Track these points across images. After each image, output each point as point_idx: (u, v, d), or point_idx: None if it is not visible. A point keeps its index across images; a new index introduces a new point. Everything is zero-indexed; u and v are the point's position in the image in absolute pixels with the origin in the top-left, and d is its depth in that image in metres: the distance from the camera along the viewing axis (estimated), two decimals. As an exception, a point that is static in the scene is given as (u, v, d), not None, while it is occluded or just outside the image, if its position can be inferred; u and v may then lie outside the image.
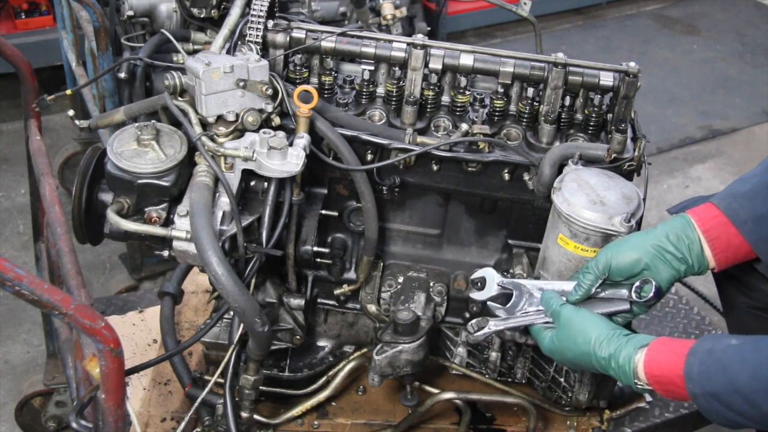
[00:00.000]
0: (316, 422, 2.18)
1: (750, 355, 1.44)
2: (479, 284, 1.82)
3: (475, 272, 1.85)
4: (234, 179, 1.74)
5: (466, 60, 1.90)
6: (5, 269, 1.27)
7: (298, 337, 2.04)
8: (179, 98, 1.79)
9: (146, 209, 1.73)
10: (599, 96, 1.93)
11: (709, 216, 1.70)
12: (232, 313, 1.87)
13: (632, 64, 1.87)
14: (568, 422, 2.23)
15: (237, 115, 1.73)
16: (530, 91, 1.92)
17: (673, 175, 4.46)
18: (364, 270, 2.02)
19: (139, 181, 1.69)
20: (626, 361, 1.54)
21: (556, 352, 1.69)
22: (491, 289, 1.81)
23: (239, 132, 1.75)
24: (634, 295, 1.67)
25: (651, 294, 1.65)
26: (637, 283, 1.67)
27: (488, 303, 1.80)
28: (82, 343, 1.58)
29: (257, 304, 1.69)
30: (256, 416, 2.04)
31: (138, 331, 2.46)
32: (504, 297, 1.80)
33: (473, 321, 1.78)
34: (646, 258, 1.66)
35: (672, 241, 1.67)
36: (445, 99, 1.97)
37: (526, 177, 1.90)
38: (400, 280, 2.07)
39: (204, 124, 1.74)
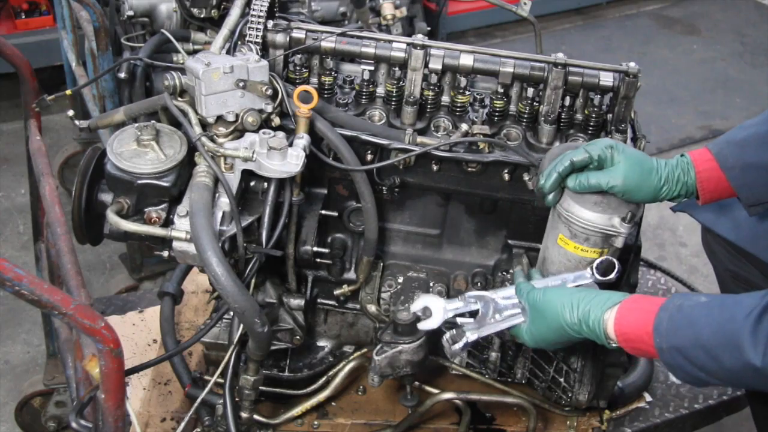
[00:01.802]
0: (316, 422, 2.18)
1: (716, 311, 1.47)
2: (424, 314, 1.80)
3: (414, 303, 1.82)
4: (234, 179, 1.74)
5: (466, 60, 1.90)
6: (5, 269, 1.27)
7: (297, 337, 2.04)
8: (179, 98, 1.79)
9: (146, 209, 1.73)
10: (599, 96, 1.93)
11: (703, 159, 1.81)
12: (231, 313, 1.88)
13: (632, 64, 1.87)
14: (568, 422, 2.23)
15: (237, 116, 1.73)
16: (530, 91, 1.92)
17: (673, 175, 4.46)
18: (364, 270, 2.02)
19: (139, 182, 1.69)
20: (596, 323, 1.59)
21: (538, 340, 1.72)
22: (438, 317, 1.79)
23: (239, 132, 1.75)
24: (597, 275, 1.71)
25: (613, 275, 1.71)
26: (597, 262, 1.71)
27: (457, 320, 1.78)
28: (82, 343, 1.58)
29: (257, 304, 1.69)
30: (256, 416, 2.04)
31: (138, 331, 2.46)
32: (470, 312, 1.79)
33: (447, 335, 1.77)
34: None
35: (670, 164, 1.78)
36: (445, 99, 1.97)
37: (526, 177, 1.90)
38: (400, 280, 2.07)
39: (204, 125, 1.74)
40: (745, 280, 2.14)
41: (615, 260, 1.71)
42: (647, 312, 1.54)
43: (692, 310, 1.49)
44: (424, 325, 1.80)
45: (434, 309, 1.80)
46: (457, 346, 1.75)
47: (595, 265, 1.72)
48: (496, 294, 1.77)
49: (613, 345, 1.60)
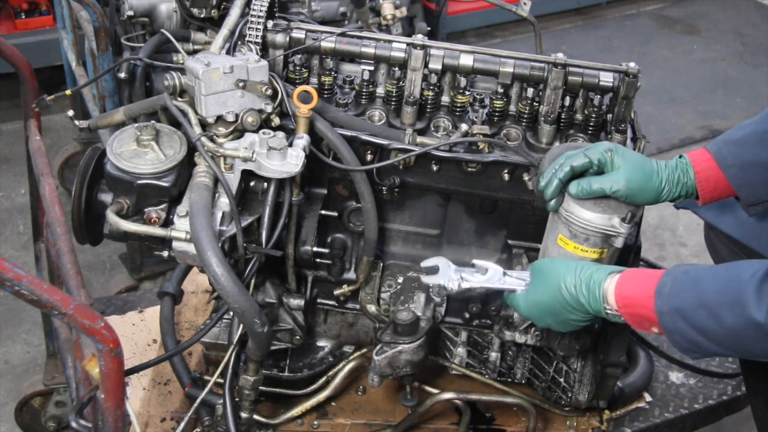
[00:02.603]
0: (315, 422, 2.18)
1: (721, 271, 1.49)
2: (431, 270, 1.84)
3: (426, 261, 1.88)
4: (233, 180, 1.74)
5: (466, 60, 1.90)
6: (5, 269, 1.27)
7: (297, 337, 2.04)
8: (179, 99, 1.79)
9: (146, 210, 1.73)
10: (599, 96, 1.92)
11: (702, 159, 1.81)
12: (231, 313, 1.88)
13: (632, 64, 1.87)
14: (567, 422, 2.23)
15: (236, 116, 1.73)
16: (530, 91, 1.92)
17: (673, 175, 4.46)
18: (363, 270, 2.02)
19: (139, 182, 1.69)
20: (596, 284, 1.59)
21: (530, 304, 1.73)
22: (446, 274, 1.83)
23: (239, 132, 1.75)
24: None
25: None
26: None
27: (464, 270, 1.83)
28: (81, 343, 1.58)
29: (257, 304, 1.69)
30: (255, 416, 2.04)
31: (138, 331, 2.46)
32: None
33: (441, 281, 1.82)
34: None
35: (670, 166, 1.79)
36: (445, 99, 1.97)
37: (525, 177, 1.90)
38: (400, 280, 2.07)
39: (203, 125, 1.74)
40: None
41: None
42: (650, 277, 1.55)
43: (697, 272, 1.51)
44: (428, 280, 1.84)
45: (442, 267, 1.83)
46: (452, 284, 1.79)
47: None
48: (508, 271, 1.80)
49: (608, 311, 1.60)
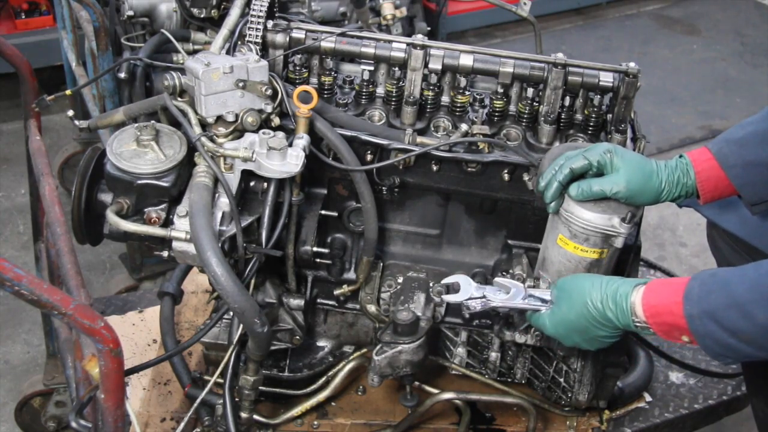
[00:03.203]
0: (315, 422, 2.18)
1: (750, 270, 1.48)
2: (453, 289, 1.84)
3: (447, 278, 1.86)
4: (233, 180, 1.74)
5: (466, 60, 1.90)
6: (5, 269, 1.27)
7: (297, 337, 2.04)
8: (179, 99, 1.79)
9: (146, 210, 1.73)
10: (599, 96, 1.92)
11: (702, 159, 1.80)
12: (231, 313, 1.87)
13: (632, 64, 1.87)
14: (567, 422, 2.23)
15: (236, 116, 1.73)
16: (530, 91, 1.92)
17: (673, 175, 4.46)
18: (363, 270, 2.02)
19: (139, 182, 1.69)
20: (623, 297, 1.59)
21: (557, 323, 1.71)
22: (467, 292, 1.82)
23: (239, 132, 1.75)
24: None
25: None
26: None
27: (487, 287, 1.82)
28: (81, 343, 1.58)
29: (257, 304, 1.69)
30: (255, 416, 2.04)
31: (138, 331, 2.46)
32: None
33: (469, 301, 1.81)
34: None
35: (669, 166, 1.78)
36: (445, 99, 1.97)
37: (525, 177, 1.90)
38: (400, 280, 2.07)
39: (203, 125, 1.74)
40: None
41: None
42: (677, 285, 1.55)
43: (725, 273, 1.51)
44: (449, 298, 1.84)
45: (463, 285, 1.83)
46: (476, 303, 1.79)
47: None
48: (531, 290, 1.79)
49: (637, 324, 1.58)
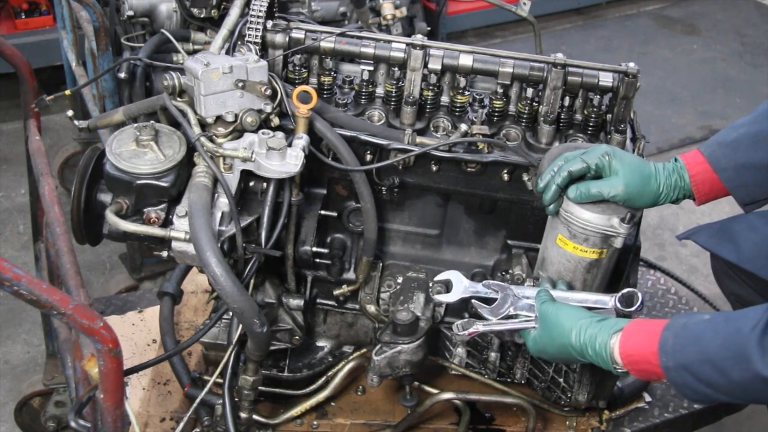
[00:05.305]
0: (315, 422, 2.18)
1: (721, 326, 1.48)
2: (444, 287, 1.84)
3: (438, 275, 1.87)
4: (233, 180, 1.74)
5: (466, 60, 1.90)
6: (4, 269, 1.27)
7: (297, 337, 2.04)
8: (178, 99, 1.79)
9: (145, 210, 1.73)
10: (599, 96, 1.92)
11: (696, 162, 1.83)
12: (231, 313, 1.87)
13: (632, 64, 1.87)
14: (567, 422, 2.23)
15: (236, 116, 1.73)
16: (529, 91, 1.92)
17: (673, 175, 4.45)
18: (363, 270, 2.02)
19: (138, 182, 1.69)
20: (602, 347, 1.59)
21: (540, 351, 1.73)
22: (457, 292, 1.83)
23: (238, 132, 1.75)
24: (618, 305, 1.72)
25: (636, 306, 1.71)
26: (621, 293, 1.72)
27: (473, 301, 1.81)
28: (81, 343, 1.58)
29: (256, 304, 1.69)
30: (255, 416, 2.04)
31: (137, 331, 2.46)
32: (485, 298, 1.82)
33: (459, 322, 1.80)
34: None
35: (667, 169, 1.79)
36: (445, 99, 1.97)
37: (525, 177, 1.90)
38: (400, 280, 2.07)
39: (203, 125, 1.74)
40: (749, 303, 2.11)
41: (638, 292, 1.72)
42: (651, 333, 1.54)
43: (697, 326, 1.50)
44: (441, 298, 1.84)
45: (456, 284, 1.83)
46: (465, 332, 1.78)
47: (617, 296, 1.73)
48: (519, 290, 1.79)
49: (619, 370, 1.60)
